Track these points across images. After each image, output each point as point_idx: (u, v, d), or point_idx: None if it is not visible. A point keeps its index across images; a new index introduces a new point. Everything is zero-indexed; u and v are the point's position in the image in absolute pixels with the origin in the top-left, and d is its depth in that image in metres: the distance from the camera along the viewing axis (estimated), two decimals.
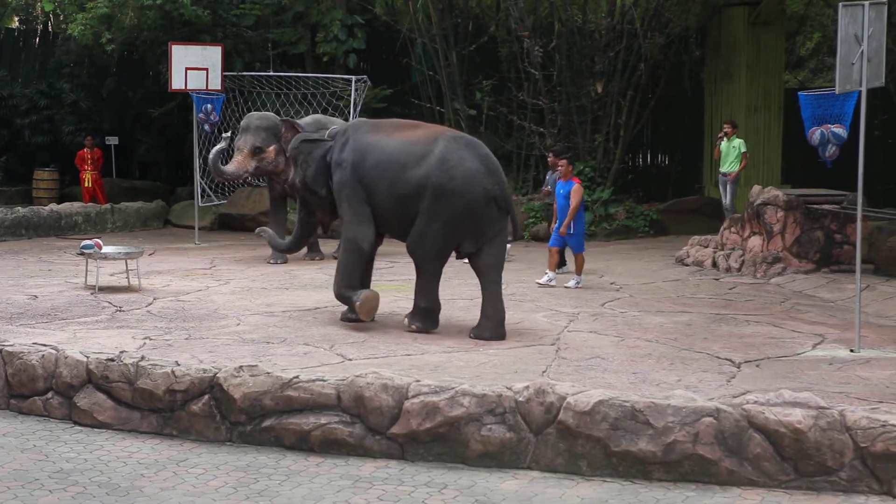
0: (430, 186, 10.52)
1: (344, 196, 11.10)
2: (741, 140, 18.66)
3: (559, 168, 14.76)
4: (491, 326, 10.59)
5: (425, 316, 10.86)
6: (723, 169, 18.66)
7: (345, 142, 11.24)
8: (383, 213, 10.98)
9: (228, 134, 17.19)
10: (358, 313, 10.98)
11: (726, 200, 18.60)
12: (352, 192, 11.02)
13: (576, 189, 14.11)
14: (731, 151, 18.46)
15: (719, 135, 19.28)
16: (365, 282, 11.46)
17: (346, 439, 7.19)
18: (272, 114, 17.33)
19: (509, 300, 12.70)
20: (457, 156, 10.58)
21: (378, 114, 23.72)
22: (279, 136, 15.63)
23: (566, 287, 13.80)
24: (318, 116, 16.62)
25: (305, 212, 12.06)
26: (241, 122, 17.06)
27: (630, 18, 22.14)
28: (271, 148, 16.27)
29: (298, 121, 14.53)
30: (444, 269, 14.95)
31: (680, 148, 26.63)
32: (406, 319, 10.94)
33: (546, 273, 14.16)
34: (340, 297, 11.21)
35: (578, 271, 14.15)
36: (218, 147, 16.34)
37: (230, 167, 16.53)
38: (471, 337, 10.54)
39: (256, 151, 16.33)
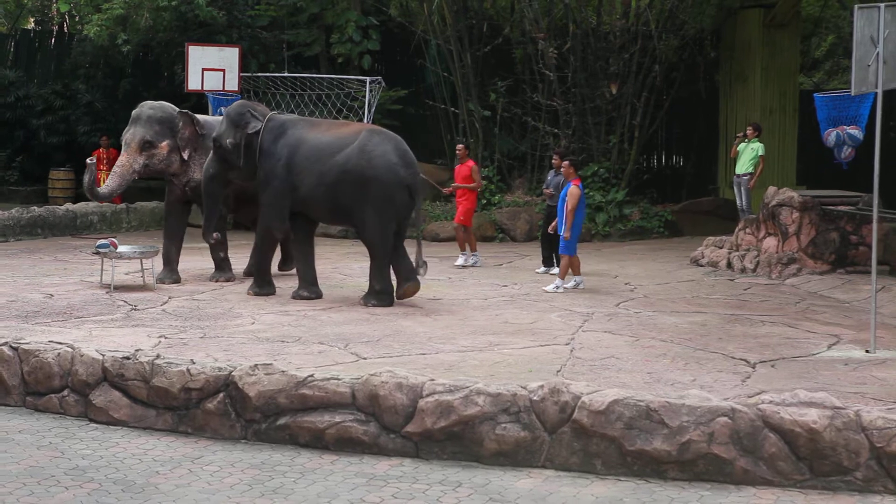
0: (352, 173, 12.01)
1: (271, 186, 12.48)
2: (761, 144, 18.53)
3: (561, 169, 14.63)
4: (379, 298, 12.14)
5: (379, 296, 12.14)
6: (737, 170, 18.57)
7: (280, 133, 12.57)
8: (313, 201, 12.35)
9: (94, 160, 14.72)
10: (257, 293, 12.70)
11: (741, 202, 18.51)
12: (280, 185, 12.42)
13: (571, 192, 13.73)
14: (748, 153, 18.33)
15: (738, 134, 19.18)
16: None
17: (360, 437, 7.20)
18: (169, 104, 14.81)
19: (524, 300, 12.74)
20: (379, 149, 12.11)
21: (393, 115, 23.80)
22: (175, 130, 14.12)
23: (565, 287, 13.51)
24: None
25: (213, 171, 13.12)
26: (133, 112, 14.65)
27: (645, 20, 22.12)
28: (164, 143, 14.08)
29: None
30: (458, 271, 15.08)
31: (694, 149, 26.59)
32: (362, 300, 12.23)
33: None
34: (257, 273, 12.94)
35: (575, 272, 13.76)
36: (88, 173, 14.10)
37: (108, 185, 14.27)
38: (360, 304, 12.16)
39: (145, 146, 14.05)
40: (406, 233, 12.79)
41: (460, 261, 16.04)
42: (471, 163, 16.59)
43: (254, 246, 13.25)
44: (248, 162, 12.70)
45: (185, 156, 14.03)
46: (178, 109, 14.38)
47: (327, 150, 12.28)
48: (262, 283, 12.89)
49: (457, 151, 16.89)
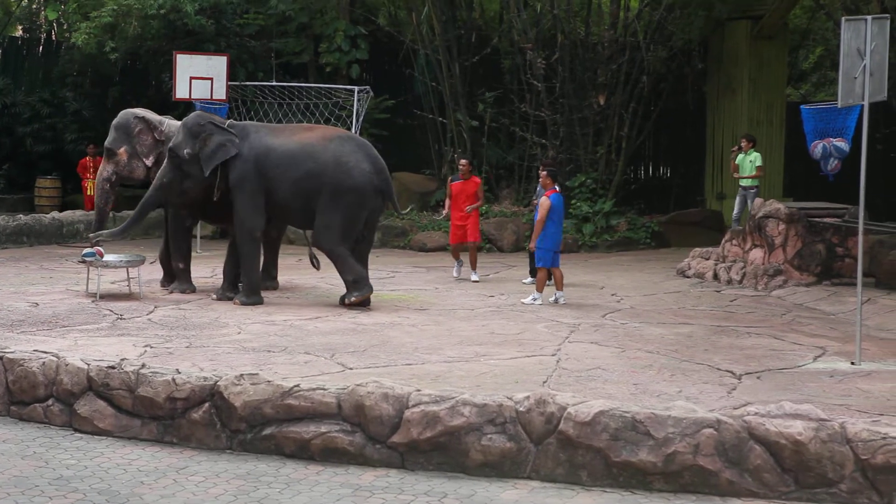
0: (329, 184, 12.50)
1: (245, 189, 12.79)
2: (758, 154, 18.54)
3: (540, 178, 14.47)
4: (360, 284, 12.62)
5: (356, 285, 12.57)
6: (743, 183, 18.50)
7: (244, 137, 12.90)
8: (285, 206, 12.87)
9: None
10: (245, 303, 12.74)
11: (739, 212, 18.42)
12: (253, 187, 12.76)
13: (542, 202, 13.56)
14: (747, 165, 18.32)
15: (733, 148, 19.19)
16: (270, 269, 14.00)
17: (346, 448, 7.18)
18: (131, 110, 14.80)
19: (511, 311, 12.74)
20: (353, 157, 12.65)
21: (380, 124, 23.82)
22: (130, 135, 14.22)
23: (522, 302, 13.37)
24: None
25: (167, 181, 13.17)
26: None
27: (633, 31, 22.18)
28: (122, 149, 14.23)
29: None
30: (445, 282, 15.08)
31: (682, 160, 26.67)
32: (344, 298, 12.60)
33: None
34: (247, 281, 12.97)
35: (558, 286, 13.52)
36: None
37: (95, 204, 14.79)
38: (340, 302, 12.66)
39: (108, 154, 14.36)
40: (373, 238, 13.86)
41: (475, 276, 15.72)
42: (477, 179, 16.36)
43: (239, 256, 13.17)
44: (212, 175, 12.88)
45: (149, 163, 14.06)
46: (136, 115, 14.33)
47: (300, 157, 12.73)
48: (249, 293, 12.91)
49: (459, 166, 16.36)
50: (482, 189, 16.40)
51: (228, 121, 13.62)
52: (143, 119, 14.11)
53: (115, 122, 14.47)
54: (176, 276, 14.01)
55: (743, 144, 18.51)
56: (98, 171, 14.75)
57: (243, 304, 12.74)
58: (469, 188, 15.96)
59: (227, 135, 12.92)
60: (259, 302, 12.83)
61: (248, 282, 12.98)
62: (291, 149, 12.81)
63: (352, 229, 12.72)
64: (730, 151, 19.71)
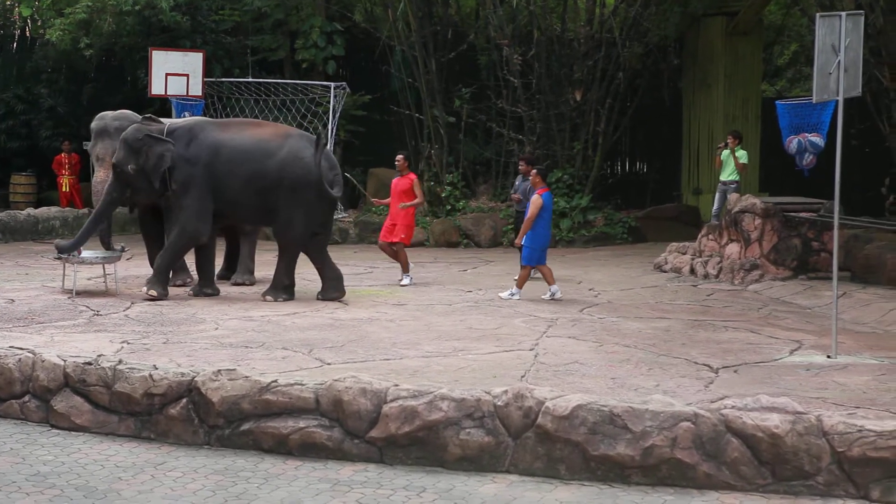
0: (288, 179, 12.57)
1: (192, 191, 12.72)
2: (744, 152, 18.53)
3: (529, 177, 14.28)
4: (335, 286, 13.00)
5: (287, 290, 12.90)
6: (722, 178, 18.51)
7: (191, 138, 12.81)
8: (240, 202, 12.83)
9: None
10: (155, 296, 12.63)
11: (718, 208, 18.43)
12: (200, 189, 12.72)
13: (533, 199, 13.44)
14: (731, 161, 18.30)
15: (720, 145, 19.21)
16: (248, 263, 14.31)
17: (324, 443, 7.17)
18: (129, 112, 15.01)
19: (488, 306, 12.76)
20: (308, 153, 12.69)
21: (357, 120, 23.79)
22: None
23: (500, 297, 13.38)
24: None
25: (117, 195, 13.36)
26: (93, 125, 14.87)
27: (609, 27, 22.20)
28: None
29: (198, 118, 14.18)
30: (424, 277, 15.08)
31: (658, 156, 26.75)
32: (269, 295, 12.83)
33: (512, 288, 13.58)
34: (159, 271, 12.92)
35: (549, 280, 13.47)
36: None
37: (95, 210, 13.92)
38: (318, 299, 12.87)
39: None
40: (331, 231, 14.02)
41: (406, 280, 14.62)
42: (412, 176, 15.11)
43: (169, 245, 13.09)
44: (162, 182, 12.86)
45: None
46: (140, 116, 14.20)
47: (255, 154, 12.72)
48: (158, 282, 12.83)
49: (395, 162, 15.23)
50: (418, 186, 15.07)
51: (169, 122, 13.49)
52: (150, 118, 13.98)
53: (119, 127, 14.04)
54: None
55: (729, 141, 18.53)
56: (104, 176, 14.25)
57: (156, 292, 12.63)
58: (402, 185, 14.86)
59: (164, 145, 12.80)
60: (164, 296, 12.72)
61: (162, 271, 12.94)
62: (243, 145, 12.82)
63: (310, 225, 12.85)
64: (716, 148, 19.73)
